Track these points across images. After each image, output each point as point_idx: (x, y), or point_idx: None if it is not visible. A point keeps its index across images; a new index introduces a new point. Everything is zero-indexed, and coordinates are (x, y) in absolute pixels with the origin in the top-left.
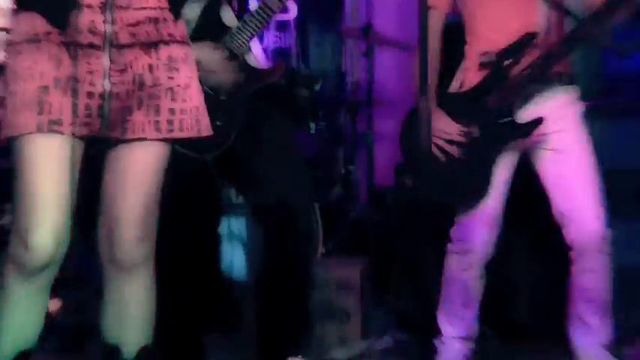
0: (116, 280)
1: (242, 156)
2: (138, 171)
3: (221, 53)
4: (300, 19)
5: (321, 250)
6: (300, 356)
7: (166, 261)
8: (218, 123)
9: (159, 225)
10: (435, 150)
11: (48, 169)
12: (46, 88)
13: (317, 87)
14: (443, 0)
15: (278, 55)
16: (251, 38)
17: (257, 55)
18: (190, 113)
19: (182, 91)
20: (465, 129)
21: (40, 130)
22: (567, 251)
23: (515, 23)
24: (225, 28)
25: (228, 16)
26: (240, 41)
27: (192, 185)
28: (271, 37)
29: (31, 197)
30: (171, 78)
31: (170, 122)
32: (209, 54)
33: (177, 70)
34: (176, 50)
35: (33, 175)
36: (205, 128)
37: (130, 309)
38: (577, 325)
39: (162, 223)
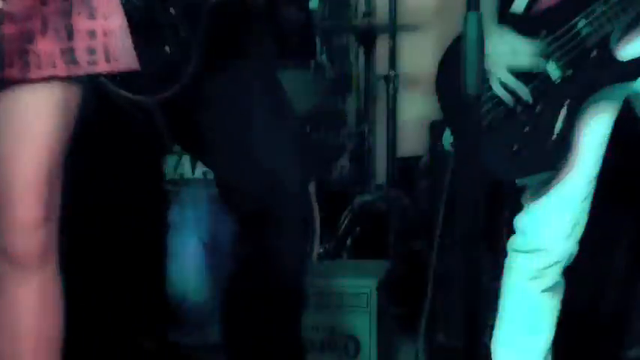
0: (6, 280)
1: (203, 105)
2: (29, 121)
3: None
4: None
5: (318, 250)
6: None
7: (80, 260)
8: (166, 48)
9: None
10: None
11: None
12: None
13: (313, 5)
14: None
15: None
16: None
17: None
18: (119, 36)
19: (105, 3)
20: (540, 64)
21: None
22: None
23: None
24: None
25: None
26: None
27: (123, 146)
28: None
29: None
30: (81, 16)
31: (91, 50)
32: None
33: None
34: None
35: None
36: (123, 62)
37: (23, 324)
38: None
39: (75, 203)
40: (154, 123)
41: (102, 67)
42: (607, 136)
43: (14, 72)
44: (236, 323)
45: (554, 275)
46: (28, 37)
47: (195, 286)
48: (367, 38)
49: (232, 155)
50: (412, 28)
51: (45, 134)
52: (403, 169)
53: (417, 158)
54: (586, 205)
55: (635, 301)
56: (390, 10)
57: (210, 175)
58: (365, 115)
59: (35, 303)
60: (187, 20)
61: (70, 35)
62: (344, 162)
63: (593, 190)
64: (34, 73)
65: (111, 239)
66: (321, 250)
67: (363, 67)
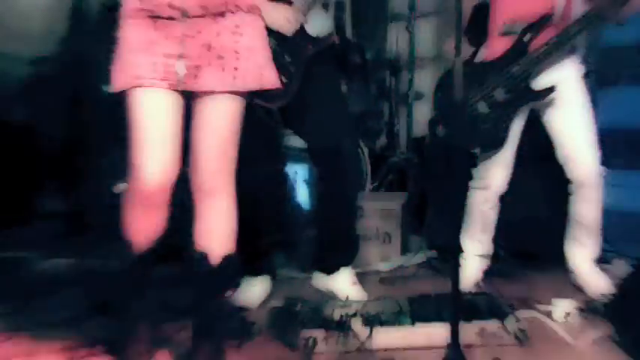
0: (202, 202)
1: (300, 106)
2: (212, 119)
3: (286, 8)
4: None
5: (369, 186)
6: (350, 268)
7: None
8: (284, 79)
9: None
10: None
11: (147, 116)
12: (134, 51)
13: (367, 55)
14: None
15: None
16: (314, 6)
17: (319, 25)
18: (253, 70)
19: (246, 52)
20: (491, 90)
21: (127, 85)
22: (568, 185)
23: (534, 3)
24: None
25: None
26: (306, 7)
27: (262, 129)
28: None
29: (141, 143)
30: (236, 42)
31: (234, 77)
32: (277, 9)
33: (242, 35)
34: (242, 18)
35: (139, 124)
36: (268, 82)
37: (214, 225)
38: (573, 245)
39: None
40: (274, 116)
41: (240, 87)
42: (523, 126)
43: (191, 87)
44: (325, 221)
45: (494, 200)
46: (199, 69)
47: (302, 202)
48: (396, 72)
49: (317, 132)
50: (423, 60)
51: (221, 126)
52: (416, 143)
53: (423, 137)
54: (511, 162)
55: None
56: (410, 53)
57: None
58: (395, 113)
59: (222, 216)
60: (294, 63)
61: (223, 69)
62: (382, 138)
63: (514, 155)
64: (201, 89)
65: (260, 179)
66: (371, 186)
67: (393, 88)
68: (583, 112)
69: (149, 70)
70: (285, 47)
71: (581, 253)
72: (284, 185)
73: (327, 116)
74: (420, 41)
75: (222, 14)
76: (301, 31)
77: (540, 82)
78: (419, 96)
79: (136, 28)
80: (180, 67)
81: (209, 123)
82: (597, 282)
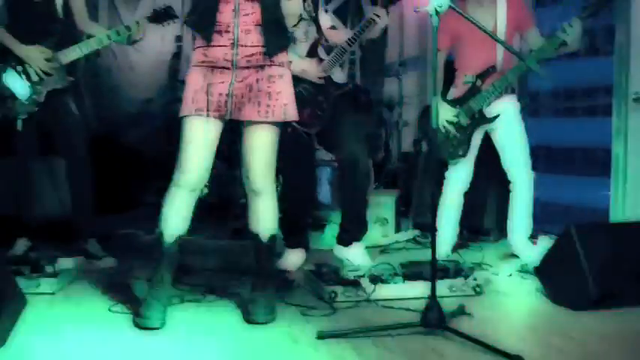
0: (254, 199)
1: (330, 129)
2: (257, 142)
3: (316, 63)
4: (362, 57)
5: (372, 185)
6: (360, 242)
7: (289, 184)
8: (319, 112)
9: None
10: (441, 128)
11: (195, 136)
12: (198, 91)
13: (370, 96)
14: (444, 47)
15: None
16: (335, 64)
17: (339, 74)
18: (280, 107)
19: (275, 94)
20: (457, 118)
21: (190, 113)
22: (509, 184)
23: (483, 59)
24: (320, 58)
25: (322, 52)
26: (329, 66)
27: (302, 146)
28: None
29: (187, 151)
30: (269, 87)
31: (266, 112)
32: (308, 64)
33: (274, 82)
34: (275, 71)
35: (189, 140)
36: (290, 116)
37: (263, 214)
38: (512, 226)
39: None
40: (312, 138)
41: (270, 119)
42: (480, 142)
43: (236, 117)
44: (344, 208)
45: (461, 194)
46: (243, 104)
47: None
48: (391, 106)
49: (342, 148)
50: (408, 99)
51: (264, 145)
52: (403, 156)
53: (409, 153)
54: (472, 167)
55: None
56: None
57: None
58: (389, 135)
59: (268, 210)
60: (325, 100)
61: (259, 105)
62: (381, 152)
63: (474, 161)
64: (244, 118)
65: (300, 179)
66: (374, 185)
67: (388, 118)
68: (519, 133)
69: (206, 106)
70: (319, 90)
71: (518, 232)
72: (315, 183)
73: (349, 138)
74: (406, 86)
75: (261, 67)
76: (329, 79)
77: (490, 111)
78: (406, 124)
79: (200, 74)
80: (229, 104)
81: (255, 144)
82: (529, 251)
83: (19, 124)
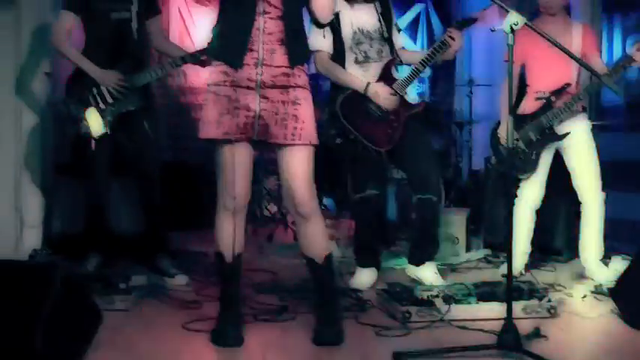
0: (303, 224)
1: (402, 149)
2: (296, 165)
3: (389, 89)
4: (432, 75)
5: (443, 203)
6: (432, 262)
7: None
8: (390, 131)
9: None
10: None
11: (230, 161)
12: (222, 113)
13: (441, 115)
14: (519, 60)
15: (420, 95)
16: (408, 85)
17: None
18: (305, 130)
19: (302, 118)
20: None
21: (217, 137)
22: (580, 205)
23: (557, 77)
24: (394, 78)
25: (395, 72)
26: (402, 86)
27: (373, 163)
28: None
29: (227, 176)
30: (295, 110)
31: (292, 135)
32: (382, 89)
33: (299, 104)
34: (299, 93)
35: (225, 165)
36: (314, 139)
37: (314, 237)
38: (584, 246)
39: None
40: (383, 156)
41: (296, 142)
42: (551, 160)
43: (263, 138)
44: (417, 227)
45: (531, 212)
46: (269, 127)
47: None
48: (460, 125)
49: (414, 167)
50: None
51: (302, 167)
52: (474, 174)
53: (479, 171)
54: (543, 184)
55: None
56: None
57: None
58: (459, 153)
59: (316, 231)
60: (397, 120)
61: (285, 128)
62: (452, 170)
63: (545, 180)
64: (271, 140)
65: (371, 198)
66: (445, 203)
67: (459, 136)
68: (590, 153)
69: (234, 129)
70: (389, 111)
71: (589, 253)
72: (386, 201)
73: (419, 156)
74: (476, 103)
75: (286, 88)
76: (402, 99)
77: (561, 129)
78: (476, 141)
79: (223, 95)
80: (256, 125)
81: (294, 170)
82: (602, 273)
83: (93, 144)
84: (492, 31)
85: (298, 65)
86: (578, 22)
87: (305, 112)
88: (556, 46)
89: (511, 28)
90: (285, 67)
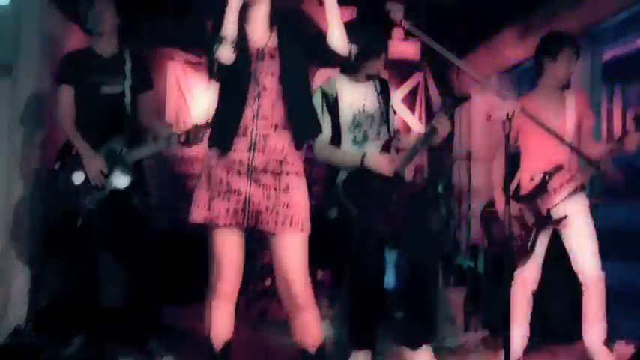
0: (298, 313)
1: (402, 231)
2: (288, 253)
3: (389, 159)
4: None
5: (441, 281)
6: (429, 343)
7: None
8: (392, 210)
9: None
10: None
11: (221, 247)
12: (213, 197)
13: (440, 189)
14: (512, 135)
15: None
16: (406, 164)
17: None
18: (297, 218)
19: (293, 205)
20: (521, 215)
21: (207, 221)
22: (580, 285)
23: (550, 157)
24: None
25: (394, 152)
26: (402, 164)
27: (372, 241)
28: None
29: (218, 262)
30: (287, 197)
31: (283, 223)
32: (381, 158)
33: (293, 192)
34: (292, 180)
35: (216, 251)
36: (306, 227)
37: (309, 326)
38: (586, 329)
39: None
40: (386, 234)
41: (286, 229)
42: (547, 242)
43: (253, 225)
44: (415, 308)
45: (529, 294)
46: (260, 213)
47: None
48: (459, 200)
49: (409, 246)
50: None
51: (294, 256)
52: (472, 248)
53: (478, 245)
54: (539, 267)
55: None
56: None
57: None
58: (458, 228)
59: (309, 320)
60: (398, 199)
61: (277, 214)
62: (449, 246)
63: (542, 262)
64: (261, 228)
65: (369, 275)
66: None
67: (457, 210)
68: (589, 234)
69: (224, 214)
70: (391, 188)
71: (592, 336)
72: (383, 279)
73: (417, 236)
74: (476, 177)
75: (279, 175)
76: (400, 179)
77: (558, 211)
78: (474, 216)
79: (215, 178)
80: (246, 211)
81: (287, 259)
82: (605, 357)
83: (79, 221)
84: (488, 120)
85: (294, 151)
86: (571, 90)
87: (297, 199)
88: (549, 132)
89: (507, 116)
90: (279, 152)
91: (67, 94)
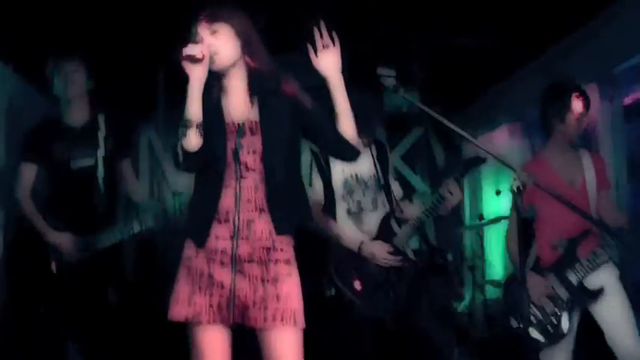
0: None
1: (407, 315)
2: (278, 352)
3: (388, 248)
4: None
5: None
6: None
7: None
8: (392, 295)
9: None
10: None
11: (202, 347)
12: (193, 291)
13: (449, 257)
14: (526, 202)
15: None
16: (409, 239)
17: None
18: (289, 312)
19: (284, 298)
20: (555, 291)
21: (188, 318)
22: None
23: (574, 221)
24: (393, 232)
25: (395, 225)
26: (403, 241)
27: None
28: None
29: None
30: (277, 288)
31: (273, 318)
32: (379, 249)
33: (282, 283)
34: (281, 269)
35: (198, 351)
36: (300, 321)
37: None
38: None
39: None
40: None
41: (278, 325)
42: (579, 317)
43: (240, 321)
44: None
45: None
46: (247, 307)
47: None
48: (472, 269)
49: (420, 335)
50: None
51: (296, 351)
52: (491, 321)
53: (495, 317)
54: (571, 350)
55: None
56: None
57: None
58: (474, 298)
59: None
60: (399, 281)
61: (265, 309)
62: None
63: (573, 344)
64: (250, 324)
65: None
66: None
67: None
68: (623, 304)
69: (206, 311)
70: (391, 270)
71: None
72: None
73: (425, 319)
74: (488, 240)
75: (266, 263)
76: (403, 256)
77: (590, 283)
78: (491, 284)
79: (195, 270)
80: (231, 307)
81: (275, 355)
82: None
83: (42, 308)
84: (498, 194)
85: (282, 236)
86: (584, 150)
87: (288, 290)
88: (567, 205)
89: (518, 188)
90: (266, 239)
91: (27, 173)
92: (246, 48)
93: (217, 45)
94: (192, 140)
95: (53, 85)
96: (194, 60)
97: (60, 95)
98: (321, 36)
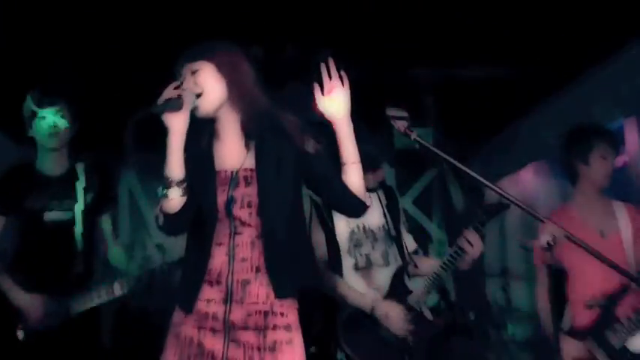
0: None
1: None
2: None
3: (402, 309)
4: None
5: None
6: None
7: None
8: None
9: None
10: None
11: None
12: None
13: (472, 316)
14: (546, 260)
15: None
16: (426, 297)
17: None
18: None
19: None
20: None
21: None
22: None
23: (608, 276)
24: (407, 290)
25: (409, 282)
26: (419, 300)
27: None
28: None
29: None
30: (274, 358)
31: None
32: (393, 309)
33: (281, 352)
34: (281, 336)
35: None
36: None
37: None
38: None
39: None
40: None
41: None
42: None
43: None
44: None
45: None
46: None
47: None
48: (497, 325)
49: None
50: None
51: None
52: None
53: None
54: None
55: None
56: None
57: None
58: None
59: None
60: (417, 345)
61: None
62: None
63: None
64: None
65: None
66: None
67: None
68: None
69: None
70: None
71: None
72: None
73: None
74: (515, 297)
75: (263, 330)
76: (420, 317)
77: (634, 343)
78: (520, 345)
79: (185, 337)
80: None
81: None
82: None
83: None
84: (525, 249)
85: (283, 299)
86: (617, 202)
87: (288, 359)
88: (604, 261)
89: (548, 244)
90: (263, 302)
91: None
92: (234, 87)
93: (198, 86)
94: (173, 201)
95: (30, 127)
96: (172, 106)
97: (42, 142)
98: (329, 74)
